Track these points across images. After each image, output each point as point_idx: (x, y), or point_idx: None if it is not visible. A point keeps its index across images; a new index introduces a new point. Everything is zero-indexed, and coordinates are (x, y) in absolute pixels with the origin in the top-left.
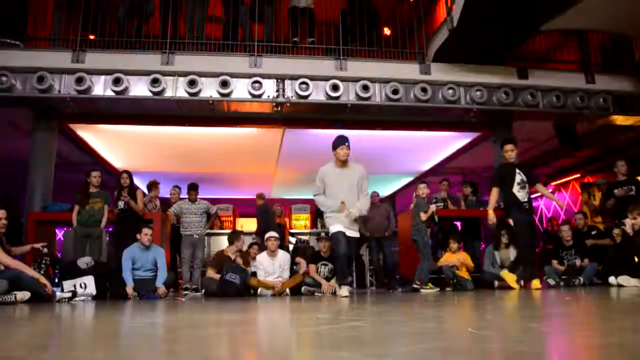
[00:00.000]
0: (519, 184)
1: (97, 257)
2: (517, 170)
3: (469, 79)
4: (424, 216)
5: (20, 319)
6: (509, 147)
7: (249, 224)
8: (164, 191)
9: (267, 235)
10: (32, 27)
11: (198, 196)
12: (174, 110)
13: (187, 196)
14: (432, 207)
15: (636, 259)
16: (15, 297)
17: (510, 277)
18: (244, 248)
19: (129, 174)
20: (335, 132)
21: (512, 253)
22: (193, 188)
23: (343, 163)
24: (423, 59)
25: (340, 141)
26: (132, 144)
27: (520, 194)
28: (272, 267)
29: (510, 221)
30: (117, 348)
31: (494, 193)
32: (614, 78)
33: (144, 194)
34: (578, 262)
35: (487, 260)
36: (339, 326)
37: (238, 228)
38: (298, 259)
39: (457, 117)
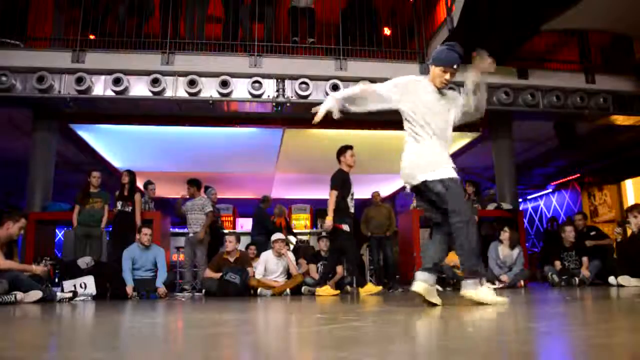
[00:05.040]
0: (352, 194)
1: (97, 257)
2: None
3: None
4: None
5: (20, 319)
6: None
7: (249, 224)
8: (164, 190)
9: (274, 237)
10: (32, 27)
11: (202, 194)
12: (174, 110)
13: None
14: None
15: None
16: (15, 297)
17: (370, 288)
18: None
19: (130, 175)
20: (334, 133)
21: (515, 253)
22: (190, 183)
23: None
24: (423, 59)
25: (450, 56)
26: (132, 144)
27: (351, 203)
28: (276, 266)
29: (345, 227)
30: (117, 348)
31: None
32: (614, 78)
33: (142, 194)
34: (582, 275)
35: (491, 256)
36: (339, 326)
37: (238, 228)
38: (300, 260)
39: None
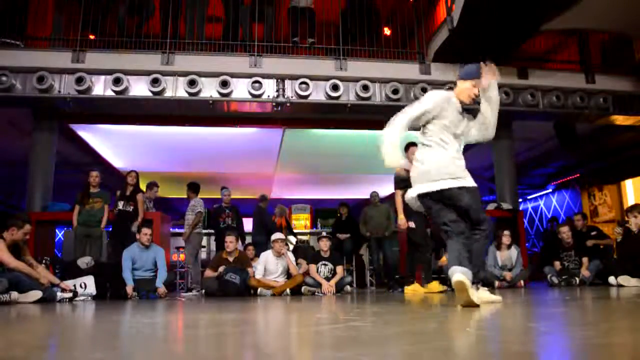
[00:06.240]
0: None
1: (97, 257)
2: None
3: None
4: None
5: (20, 319)
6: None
7: (248, 224)
8: (164, 191)
9: (274, 237)
10: (32, 27)
11: (198, 196)
12: (174, 110)
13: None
14: None
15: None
16: (10, 296)
17: (435, 286)
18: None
19: (137, 175)
20: (334, 133)
21: (513, 254)
22: (187, 186)
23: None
24: (423, 59)
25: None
26: (132, 144)
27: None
28: (275, 266)
29: (411, 224)
30: (117, 348)
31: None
32: (614, 78)
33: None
34: (582, 275)
35: (488, 260)
36: (339, 326)
37: None
38: (300, 260)
39: None
